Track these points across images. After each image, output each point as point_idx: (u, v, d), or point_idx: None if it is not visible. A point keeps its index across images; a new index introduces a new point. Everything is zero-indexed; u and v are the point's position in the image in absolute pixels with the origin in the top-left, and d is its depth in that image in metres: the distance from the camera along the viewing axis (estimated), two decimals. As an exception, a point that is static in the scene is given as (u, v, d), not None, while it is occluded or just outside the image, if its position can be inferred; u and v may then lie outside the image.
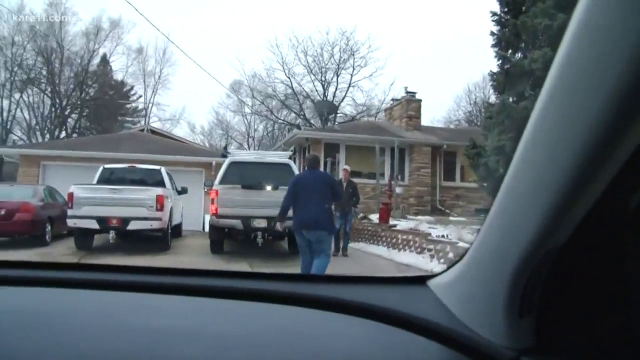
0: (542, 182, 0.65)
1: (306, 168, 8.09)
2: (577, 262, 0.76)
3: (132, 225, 11.72)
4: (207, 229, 13.36)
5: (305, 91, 38.01)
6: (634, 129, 0.55)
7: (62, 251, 11.92)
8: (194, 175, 19.44)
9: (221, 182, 11.55)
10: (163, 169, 13.89)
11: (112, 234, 11.96)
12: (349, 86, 37.52)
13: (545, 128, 0.64)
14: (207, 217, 13.02)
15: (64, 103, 39.82)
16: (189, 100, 69.82)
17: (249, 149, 37.69)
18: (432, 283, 1.08)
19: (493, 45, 14.08)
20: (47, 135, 38.37)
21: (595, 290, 0.78)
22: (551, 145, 0.63)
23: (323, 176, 8.03)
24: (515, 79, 12.69)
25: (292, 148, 21.38)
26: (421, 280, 1.11)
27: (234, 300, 1.07)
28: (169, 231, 12.73)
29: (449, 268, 1.04)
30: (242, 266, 10.05)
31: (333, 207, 8.42)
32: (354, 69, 37.02)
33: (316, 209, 7.23)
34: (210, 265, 10.37)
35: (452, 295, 0.96)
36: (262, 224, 11.17)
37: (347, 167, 13.42)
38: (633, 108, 0.53)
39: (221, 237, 11.81)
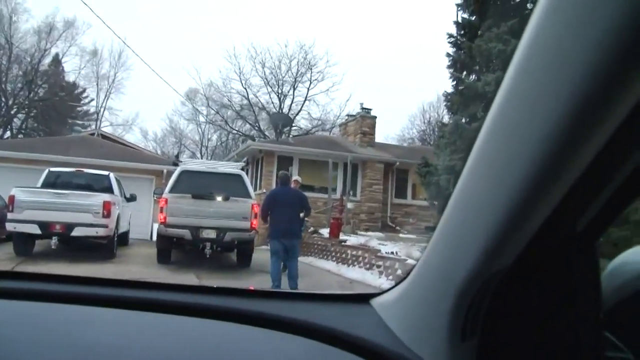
0: (488, 202, 0.64)
1: (279, 184, 9.46)
2: (522, 285, 0.75)
3: (77, 232, 11.37)
4: (155, 237, 13.09)
5: (261, 103, 38.04)
6: (580, 153, 0.54)
7: (-2, 256, 11.46)
8: (144, 182, 19.12)
9: (171, 191, 11.38)
10: (112, 175, 13.57)
11: (54, 240, 11.55)
12: (305, 100, 37.73)
13: (492, 147, 0.63)
14: (156, 226, 12.76)
15: (11, 102, 38.57)
16: (143, 106, 68.75)
17: (202, 159, 37.33)
18: (375, 302, 1.05)
19: (448, 67, 14.39)
20: (-9, 135, 37.08)
21: (539, 314, 0.77)
22: (498, 164, 0.61)
23: (295, 192, 9.44)
24: (469, 100, 12.99)
25: (245, 159, 21.28)
26: (365, 298, 1.09)
27: (177, 315, 1.02)
28: (115, 239, 12.41)
29: (394, 286, 1.02)
30: (189, 277, 9.91)
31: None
32: (310, 82, 37.23)
33: (291, 220, 8.66)
34: (157, 275, 10.17)
35: (394, 315, 0.94)
36: (211, 234, 11.07)
37: (297, 178, 12.96)
38: (579, 132, 0.52)
39: (169, 247, 11.61)
